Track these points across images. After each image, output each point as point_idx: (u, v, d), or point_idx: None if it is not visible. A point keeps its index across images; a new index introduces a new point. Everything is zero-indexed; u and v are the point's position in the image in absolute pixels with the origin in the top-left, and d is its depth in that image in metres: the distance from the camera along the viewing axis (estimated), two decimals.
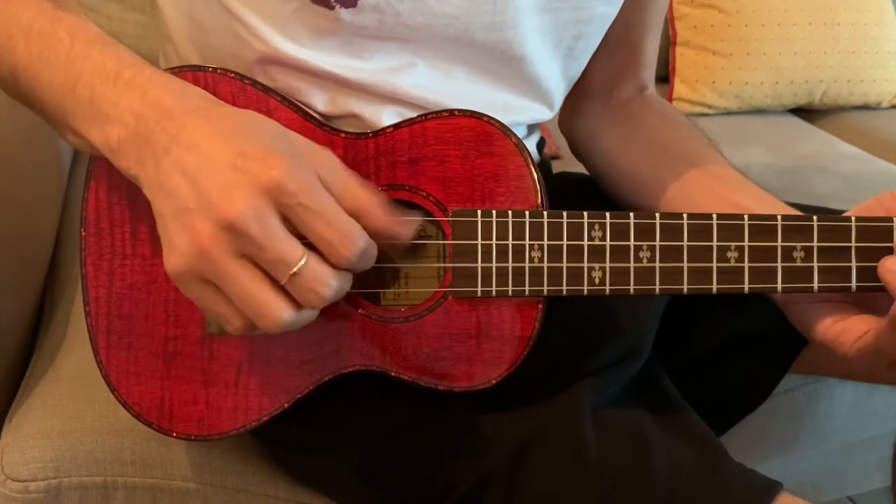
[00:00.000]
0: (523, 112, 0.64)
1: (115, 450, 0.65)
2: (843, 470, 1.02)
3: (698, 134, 0.69)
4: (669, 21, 1.40)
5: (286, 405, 0.54)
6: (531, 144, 0.70)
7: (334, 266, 0.45)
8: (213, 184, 0.44)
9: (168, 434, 0.55)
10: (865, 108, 1.45)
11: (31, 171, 0.86)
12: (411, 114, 0.58)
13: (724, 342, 0.70)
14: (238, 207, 0.43)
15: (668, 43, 1.40)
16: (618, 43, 0.69)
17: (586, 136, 0.72)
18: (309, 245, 0.45)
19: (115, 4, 1.11)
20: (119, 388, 0.55)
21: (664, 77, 1.42)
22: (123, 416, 0.56)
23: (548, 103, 0.66)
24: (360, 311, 0.53)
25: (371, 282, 0.54)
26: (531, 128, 0.70)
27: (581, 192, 0.74)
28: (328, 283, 0.45)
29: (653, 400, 0.59)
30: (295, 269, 0.44)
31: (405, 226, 0.49)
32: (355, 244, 0.45)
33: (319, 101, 0.58)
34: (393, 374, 0.53)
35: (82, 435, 0.66)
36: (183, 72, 0.53)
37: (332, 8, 0.53)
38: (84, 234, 0.55)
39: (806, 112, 1.45)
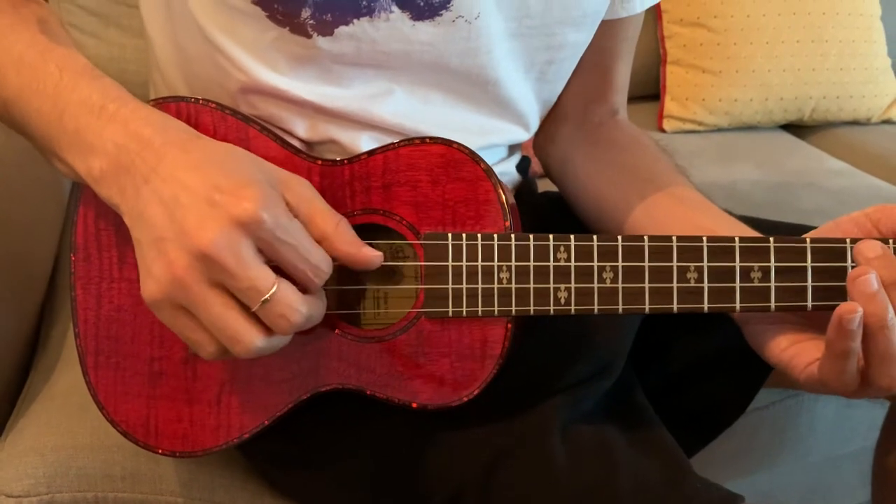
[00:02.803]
0: (500, 134, 0.66)
1: (106, 466, 0.67)
2: (829, 483, 1.03)
3: (666, 158, 0.70)
4: (660, 40, 1.41)
5: (266, 423, 0.56)
6: (511, 165, 0.72)
7: (305, 292, 0.48)
8: (189, 215, 0.46)
9: (153, 451, 0.57)
10: (856, 123, 1.46)
11: (31, 193, 0.89)
12: (389, 140, 0.60)
13: (702, 357, 0.71)
14: (211, 238, 0.45)
15: (659, 61, 1.42)
16: (589, 69, 0.71)
17: (559, 160, 0.74)
18: (280, 273, 0.47)
19: (114, 30, 1.14)
20: (107, 406, 0.57)
21: (655, 95, 1.43)
22: (114, 433, 0.58)
23: (523, 125, 0.68)
24: (336, 331, 0.55)
25: (351, 303, 0.56)
26: (511, 149, 0.72)
27: (565, 211, 0.76)
28: (298, 310, 0.47)
29: (624, 415, 0.60)
30: (266, 297, 0.46)
31: (365, 253, 0.51)
32: (324, 271, 0.48)
33: (300, 128, 0.60)
34: (368, 392, 0.55)
35: (74, 451, 0.68)
36: (167, 103, 0.55)
37: (309, 37, 0.55)
38: (74, 258, 0.57)
39: (797, 128, 1.46)
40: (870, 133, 1.43)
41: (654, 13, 1.40)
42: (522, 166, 0.78)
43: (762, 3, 1.35)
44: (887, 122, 1.47)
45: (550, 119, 0.74)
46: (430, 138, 0.54)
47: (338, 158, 0.56)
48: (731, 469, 0.91)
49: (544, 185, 0.81)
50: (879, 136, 1.42)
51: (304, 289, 0.48)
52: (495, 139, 0.66)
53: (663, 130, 1.40)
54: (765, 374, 0.70)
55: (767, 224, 0.75)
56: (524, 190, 0.77)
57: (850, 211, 0.55)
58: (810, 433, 0.93)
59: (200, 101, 0.56)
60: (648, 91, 1.44)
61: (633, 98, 1.47)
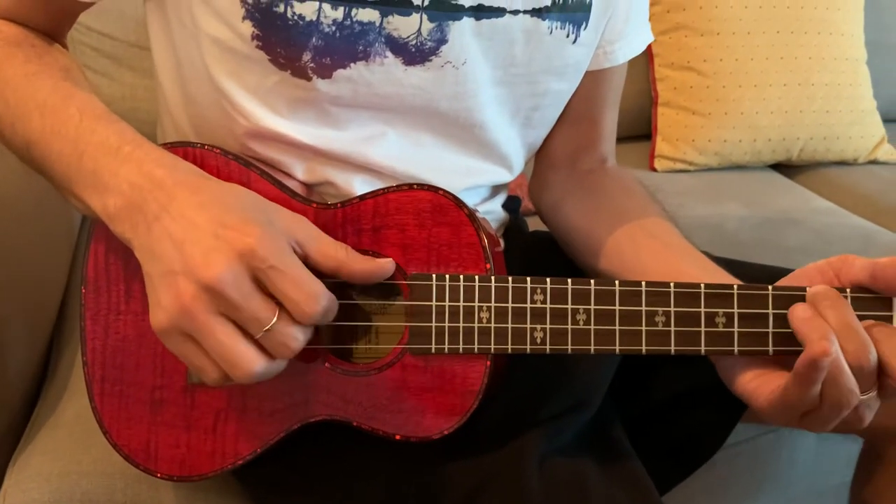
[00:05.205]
0: (484, 175, 0.70)
1: (108, 491, 0.70)
2: None
3: (655, 205, 0.73)
4: (651, 82, 1.45)
5: (258, 450, 0.59)
6: (496, 204, 0.76)
7: (300, 323, 0.51)
8: (197, 249, 0.49)
9: (153, 474, 0.60)
10: (843, 163, 1.48)
11: (44, 229, 0.92)
12: (381, 182, 0.64)
13: (682, 391, 0.73)
14: (217, 271, 0.48)
15: (651, 103, 1.45)
16: (578, 118, 0.74)
17: (552, 205, 0.77)
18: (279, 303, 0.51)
19: (126, 71, 1.19)
20: (111, 431, 0.60)
21: (647, 135, 1.46)
22: (116, 459, 0.60)
23: (507, 166, 0.71)
24: (327, 365, 0.58)
25: (344, 338, 0.59)
26: (496, 189, 0.75)
27: (553, 250, 0.78)
28: (297, 338, 0.50)
29: (601, 449, 0.62)
30: (268, 326, 0.49)
31: (380, 263, 0.55)
32: (319, 303, 0.51)
33: (299, 170, 0.64)
34: (355, 423, 0.58)
35: (79, 477, 0.70)
36: (174, 147, 0.59)
37: (309, 79, 0.59)
38: (84, 291, 0.60)
39: (785, 168, 1.49)
40: (856, 173, 1.46)
41: (646, 57, 1.44)
42: (511, 205, 0.81)
43: (750, 47, 1.39)
44: (873, 162, 1.50)
45: (543, 166, 0.77)
46: (418, 185, 0.57)
47: (331, 202, 0.59)
48: (714, 502, 0.93)
49: (537, 223, 0.84)
50: (865, 175, 1.45)
51: (298, 319, 0.51)
52: (480, 180, 0.70)
53: (655, 170, 1.43)
54: (742, 408, 0.73)
55: (748, 267, 0.77)
56: (513, 229, 0.80)
57: (834, 249, 0.57)
58: (791, 467, 0.94)
59: (206, 147, 0.59)
60: (640, 131, 1.47)
61: (626, 138, 1.53)
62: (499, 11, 0.61)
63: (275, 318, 0.49)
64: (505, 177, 0.72)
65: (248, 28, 0.58)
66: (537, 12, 0.63)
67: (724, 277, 0.62)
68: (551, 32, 0.64)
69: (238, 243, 0.49)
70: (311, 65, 0.58)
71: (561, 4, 0.63)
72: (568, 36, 0.65)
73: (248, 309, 0.49)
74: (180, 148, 0.59)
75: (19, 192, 0.84)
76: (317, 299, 0.51)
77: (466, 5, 0.60)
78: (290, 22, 0.57)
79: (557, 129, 0.74)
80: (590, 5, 0.65)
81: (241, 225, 0.50)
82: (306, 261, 0.53)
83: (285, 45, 0.58)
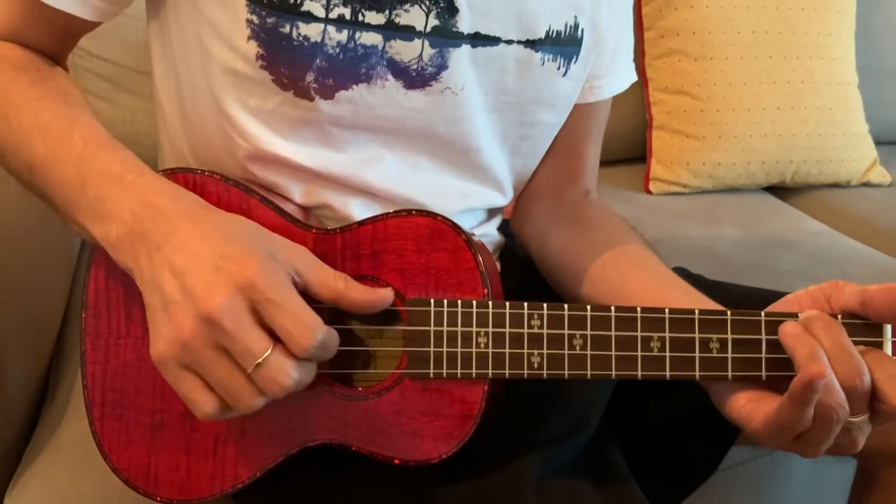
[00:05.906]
0: (478, 198, 0.71)
1: None
2: None
3: (636, 236, 0.74)
4: (646, 106, 1.46)
5: (258, 474, 0.59)
6: (492, 227, 0.77)
7: (297, 356, 0.51)
8: (197, 281, 0.50)
9: (153, 498, 0.60)
10: (836, 186, 1.50)
11: (44, 253, 0.92)
12: (378, 205, 0.65)
13: (677, 413, 0.74)
14: (216, 302, 0.49)
15: (645, 126, 1.47)
16: (561, 150, 0.76)
17: (535, 235, 0.78)
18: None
19: (126, 95, 1.20)
20: (111, 455, 0.60)
21: (642, 158, 1.48)
22: (116, 483, 0.61)
23: (500, 190, 0.72)
24: (326, 389, 0.58)
25: (341, 363, 0.60)
26: (491, 212, 0.76)
27: None
28: (289, 374, 0.50)
29: (598, 471, 0.63)
30: (260, 360, 0.49)
31: (378, 293, 0.55)
32: (314, 335, 0.51)
33: (297, 193, 0.65)
34: (353, 448, 0.58)
35: (78, 501, 0.71)
36: (175, 174, 0.60)
37: (312, 100, 0.60)
38: (84, 315, 0.61)
39: (779, 190, 1.50)
40: (849, 195, 1.47)
41: (641, 81, 1.46)
42: (508, 229, 0.82)
43: (743, 71, 1.40)
44: (866, 184, 1.51)
45: (526, 198, 0.78)
46: (416, 210, 0.58)
47: (330, 226, 0.60)
48: None
49: None
50: (858, 198, 1.46)
51: (294, 352, 0.51)
52: (475, 203, 0.71)
53: (650, 192, 1.44)
54: (737, 431, 0.73)
55: (740, 290, 0.78)
56: (508, 252, 0.81)
57: (828, 272, 0.57)
58: (787, 489, 0.94)
59: (206, 173, 0.60)
60: (635, 154, 1.49)
61: (621, 161, 1.54)
62: (494, 40, 0.63)
63: (268, 352, 0.50)
64: (499, 200, 0.74)
65: (252, 48, 0.59)
66: (531, 44, 0.64)
67: (707, 303, 0.63)
68: (543, 64, 0.65)
69: (237, 276, 0.50)
70: (314, 85, 0.59)
71: (554, 38, 0.65)
72: (559, 69, 0.67)
73: (241, 341, 0.49)
74: (181, 174, 0.60)
75: (19, 215, 0.84)
76: (312, 331, 0.51)
77: (465, 33, 0.61)
78: (296, 42, 0.58)
79: (541, 161, 0.76)
80: (581, 40, 0.67)
81: (242, 257, 0.50)
82: (306, 290, 0.53)
83: (289, 65, 0.59)
